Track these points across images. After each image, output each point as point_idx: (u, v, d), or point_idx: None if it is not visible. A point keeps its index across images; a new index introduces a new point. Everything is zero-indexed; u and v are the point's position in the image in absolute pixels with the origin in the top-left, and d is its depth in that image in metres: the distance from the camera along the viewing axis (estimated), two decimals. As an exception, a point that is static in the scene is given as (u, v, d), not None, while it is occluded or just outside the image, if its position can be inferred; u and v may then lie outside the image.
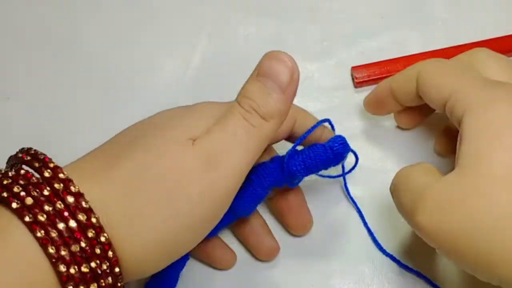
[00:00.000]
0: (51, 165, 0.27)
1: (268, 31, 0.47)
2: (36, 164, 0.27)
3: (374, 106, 0.40)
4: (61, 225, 0.25)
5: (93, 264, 0.25)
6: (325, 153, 0.34)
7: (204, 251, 0.36)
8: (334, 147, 0.34)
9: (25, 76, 0.46)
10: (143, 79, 0.45)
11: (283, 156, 0.35)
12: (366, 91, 0.44)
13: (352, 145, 0.42)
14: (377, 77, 0.44)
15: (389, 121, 0.43)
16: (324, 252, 0.38)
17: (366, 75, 0.44)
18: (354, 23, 0.47)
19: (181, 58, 0.46)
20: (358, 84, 0.44)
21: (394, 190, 0.32)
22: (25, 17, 0.48)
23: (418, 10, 0.47)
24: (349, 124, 0.43)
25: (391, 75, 0.43)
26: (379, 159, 0.41)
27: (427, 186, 0.29)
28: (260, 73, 0.30)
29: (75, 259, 0.25)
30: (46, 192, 0.26)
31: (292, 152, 0.34)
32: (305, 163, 0.34)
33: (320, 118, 0.43)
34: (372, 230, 0.39)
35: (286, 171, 0.34)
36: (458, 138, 0.30)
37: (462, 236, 0.27)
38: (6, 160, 0.43)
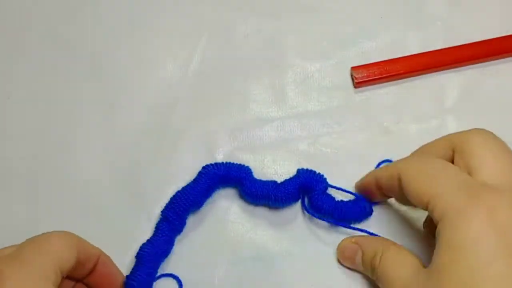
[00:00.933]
0: None
1: (268, 31, 0.47)
2: None
3: (366, 194, 0.39)
4: None
5: None
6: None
7: None
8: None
9: (25, 76, 0.46)
10: (143, 79, 0.45)
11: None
12: (366, 91, 0.44)
13: (352, 144, 0.42)
14: (377, 77, 0.44)
15: (388, 121, 0.43)
16: (324, 252, 0.38)
17: (366, 75, 0.44)
18: (354, 23, 0.47)
19: (181, 58, 0.46)
20: (358, 84, 0.44)
21: (378, 276, 0.34)
22: (25, 17, 0.48)
23: (418, 10, 0.47)
24: (349, 124, 0.43)
25: (391, 75, 0.44)
26: (379, 159, 0.41)
27: (408, 283, 0.31)
28: None
29: None
30: None
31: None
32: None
33: (320, 118, 0.43)
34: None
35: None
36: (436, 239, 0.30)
37: None
38: (6, 160, 0.43)
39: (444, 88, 0.44)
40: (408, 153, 0.42)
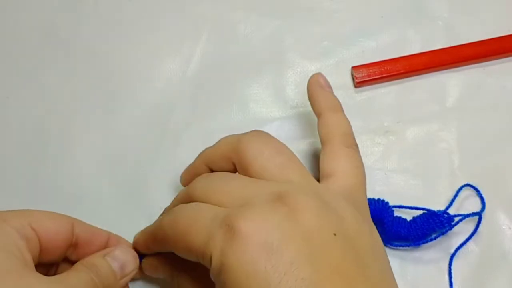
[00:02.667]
0: None
1: (268, 31, 0.47)
2: None
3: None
4: None
5: None
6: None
7: None
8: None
9: (25, 76, 0.46)
10: (143, 79, 0.45)
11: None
12: (367, 90, 0.44)
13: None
14: (377, 76, 0.44)
15: (389, 121, 0.43)
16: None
17: (366, 75, 0.44)
18: (354, 23, 0.47)
19: (181, 58, 0.46)
20: (358, 84, 0.44)
21: None
22: (25, 17, 0.48)
23: (418, 10, 0.47)
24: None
25: (391, 75, 0.44)
26: (379, 158, 0.41)
27: None
28: (110, 255, 0.33)
29: None
30: None
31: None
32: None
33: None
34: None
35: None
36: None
37: None
38: (6, 160, 0.43)
39: (445, 87, 0.44)
40: (408, 153, 0.42)
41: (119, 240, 0.36)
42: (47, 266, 0.33)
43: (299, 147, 0.42)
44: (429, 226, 0.36)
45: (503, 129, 0.43)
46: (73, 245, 0.32)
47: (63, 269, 0.33)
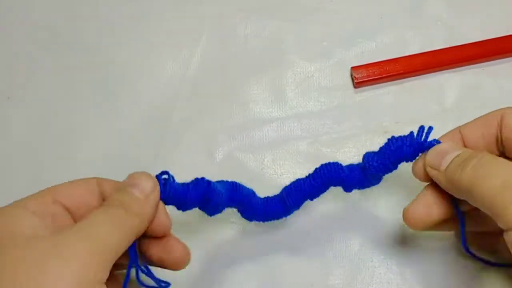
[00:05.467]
0: None
1: (268, 31, 0.47)
2: None
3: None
4: None
5: None
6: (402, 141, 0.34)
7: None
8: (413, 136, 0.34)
9: (25, 76, 0.46)
10: (143, 79, 0.45)
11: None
12: (366, 91, 0.44)
13: (352, 144, 0.42)
14: (377, 77, 0.44)
15: (388, 121, 0.43)
16: (324, 252, 0.39)
17: (366, 75, 0.44)
18: (354, 23, 0.47)
19: (181, 58, 0.46)
20: (357, 84, 0.44)
21: (471, 174, 0.29)
22: (26, 18, 0.48)
23: (418, 10, 0.47)
24: (349, 124, 0.43)
25: (390, 75, 0.44)
26: (378, 159, 0.41)
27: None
28: (125, 184, 0.31)
29: None
30: None
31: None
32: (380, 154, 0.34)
33: (320, 118, 0.43)
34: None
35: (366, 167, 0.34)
36: None
37: None
38: (6, 160, 0.43)
39: (444, 88, 0.44)
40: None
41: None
42: None
43: (299, 147, 0.42)
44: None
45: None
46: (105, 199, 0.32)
47: None
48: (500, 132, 0.31)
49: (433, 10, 0.47)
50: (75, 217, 0.31)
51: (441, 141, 0.33)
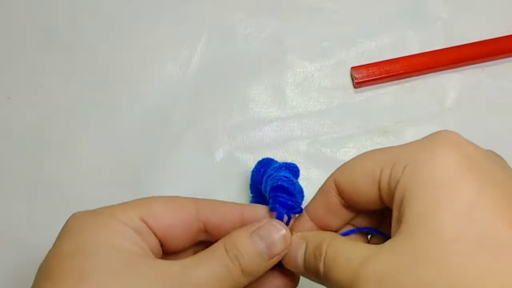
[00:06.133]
0: None
1: (268, 31, 0.47)
2: None
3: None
4: None
5: None
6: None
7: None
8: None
9: (25, 76, 0.46)
10: (143, 79, 0.45)
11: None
12: (366, 91, 0.44)
13: (352, 144, 0.42)
14: (377, 77, 0.44)
15: (388, 121, 0.43)
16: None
17: (366, 75, 0.44)
18: (354, 23, 0.47)
19: (181, 58, 0.46)
20: (357, 84, 0.44)
21: (325, 269, 0.27)
22: (26, 18, 0.48)
23: (418, 10, 0.47)
24: (349, 124, 0.43)
25: (390, 75, 0.44)
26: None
27: (366, 258, 0.24)
28: (257, 232, 0.29)
29: None
30: None
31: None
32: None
33: (320, 118, 0.43)
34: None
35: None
36: (395, 204, 0.25)
37: None
38: (6, 160, 0.43)
39: (444, 88, 0.44)
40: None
41: (255, 210, 0.31)
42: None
43: (299, 147, 0.42)
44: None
45: (502, 129, 0.43)
46: (202, 231, 0.30)
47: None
48: (340, 195, 0.29)
49: (433, 10, 0.47)
50: (163, 242, 0.29)
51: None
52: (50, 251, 0.27)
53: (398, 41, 0.46)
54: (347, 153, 0.42)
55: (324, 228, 0.30)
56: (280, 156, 0.42)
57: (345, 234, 0.30)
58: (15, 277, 0.39)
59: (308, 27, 0.47)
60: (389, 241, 0.25)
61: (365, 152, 0.29)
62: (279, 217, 0.31)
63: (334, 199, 0.29)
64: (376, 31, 0.46)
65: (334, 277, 0.26)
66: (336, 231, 0.31)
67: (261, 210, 0.31)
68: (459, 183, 0.23)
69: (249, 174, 0.41)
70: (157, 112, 0.44)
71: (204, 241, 0.31)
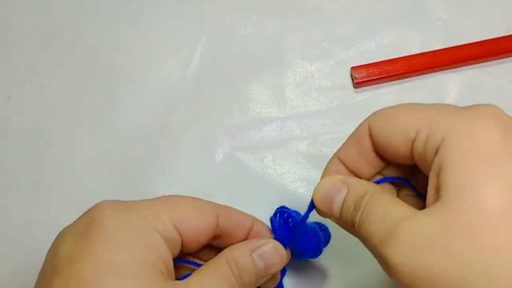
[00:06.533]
0: None
1: (268, 31, 0.47)
2: None
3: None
4: None
5: None
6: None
7: None
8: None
9: (25, 76, 0.46)
10: (143, 79, 0.45)
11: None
12: (366, 91, 0.44)
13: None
14: (377, 77, 0.44)
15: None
16: (324, 255, 0.38)
17: (366, 75, 0.44)
18: (354, 23, 0.47)
19: (181, 58, 0.46)
20: (357, 84, 0.44)
21: (360, 221, 0.27)
22: (26, 17, 0.48)
23: (418, 10, 0.47)
24: (349, 124, 0.43)
25: (391, 75, 0.44)
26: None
27: (403, 218, 0.24)
28: (258, 252, 0.30)
29: None
30: None
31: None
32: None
33: (320, 118, 0.43)
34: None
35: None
36: (433, 171, 0.25)
37: (443, 283, 0.22)
38: (6, 160, 0.43)
39: (444, 88, 0.44)
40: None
41: (263, 227, 0.32)
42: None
43: (299, 147, 0.42)
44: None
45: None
46: (216, 237, 0.30)
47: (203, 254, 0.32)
48: (373, 143, 0.29)
49: (433, 10, 0.47)
50: (183, 246, 0.29)
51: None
52: (72, 243, 0.26)
53: (398, 41, 0.46)
54: (347, 153, 0.42)
55: (355, 174, 0.30)
56: (280, 156, 0.42)
57: (376, 183, 0.30)
58: (15, 277, 0.39)
59: (308, 27, 0.47)
60: (428, 208, 0.24)
61: (402, 105, 0.28)
62: (277, 232, 0.32)
63: (368, 143, 0.29)
64: (376, 31, 0.46)
65: (367, 231, 0.26)
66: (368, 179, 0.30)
67: (268, 230, 0.32)
68: (504, 157, 0.23)
69: (249, 174, 0.41)
70: (157, 112, 0.44)
71: None
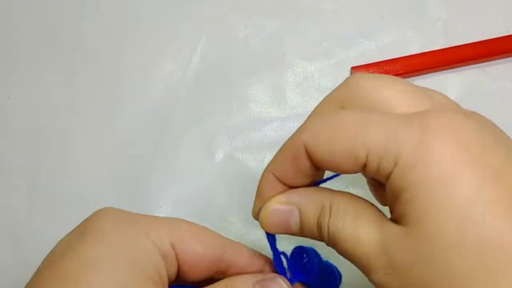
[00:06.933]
0: None
1: (268, 31, 0.47)
2: None
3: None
4: None
5: None
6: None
7: None
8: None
9: (25, 76, 0.46)
10: (143, 79, 0.45)
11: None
12: (366, 91, 0.44)
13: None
14: (377, 77, 0.44)
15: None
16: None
17: (366, 75, 0.44)
18: (354, 23, 0.47)
19: (181, 58, 0.46)
20: (357, 84, 0.44)
21: (330, 242, 0.26)
22: (26, 17, 0.48)
23: (418, 10, 0.47)
24: (349, 124, 0.43)
25: (390, 75, 0.44)
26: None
27: (373, 247, 0.24)
28: (260, 284, 0.28)
29: None
30: None
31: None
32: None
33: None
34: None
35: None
36: (391, 197, 0.24)
37: None
38: (6, 160, 0.43)
39: (444, 88, 0.44)
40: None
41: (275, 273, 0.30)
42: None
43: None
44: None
45: (502, 129, 0.43)
46: (221, 272, 0.29)
47: None
48: (312, 161, 0.26)
49: (433, 10, 0.47)
50: (180, 272, 0.28)
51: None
52: (66, 241, 0.27)
53: (398, 41, 0.46)
54: (347, 153, 0.42)
55: (293, 186, 0.28)
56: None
57: (316, 185, 0.28)
58: (15, 277, 0.39)
59: (308, 27, 0.47)
60: (396, 231, 0.24)
61: (338, 120, 0.25)
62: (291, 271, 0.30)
63: (306, 162, 0.26)
64: (376, 31, 0.46)
65: (342, 249, 0.25)
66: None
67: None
68: (456, 182, 0.22)
69: (249, 174, 0.41)
70: (157, 112, 0.44)
71: None
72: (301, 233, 0.27)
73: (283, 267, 0.30)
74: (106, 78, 0.45)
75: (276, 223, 0.27)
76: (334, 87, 0.45)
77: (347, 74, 0.45)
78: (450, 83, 0.44)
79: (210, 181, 0.41)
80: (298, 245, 0.31)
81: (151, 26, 0.47)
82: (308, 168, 0.26)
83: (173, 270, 0.27)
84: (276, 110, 0.44)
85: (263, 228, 0.28)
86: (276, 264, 0.30)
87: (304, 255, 0.30)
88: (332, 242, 0.26)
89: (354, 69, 0.44)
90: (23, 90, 0.45)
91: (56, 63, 0.46)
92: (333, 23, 0.47)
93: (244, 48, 0.46)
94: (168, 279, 0.27)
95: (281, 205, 0.27)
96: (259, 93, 0.45)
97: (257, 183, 0.39)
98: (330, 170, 0.26)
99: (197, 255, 0.27)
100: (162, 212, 0.40)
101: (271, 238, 0.30)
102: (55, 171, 0.42)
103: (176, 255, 0.27)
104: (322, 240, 0.27)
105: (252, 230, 0.40)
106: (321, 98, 0.44)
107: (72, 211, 0.41)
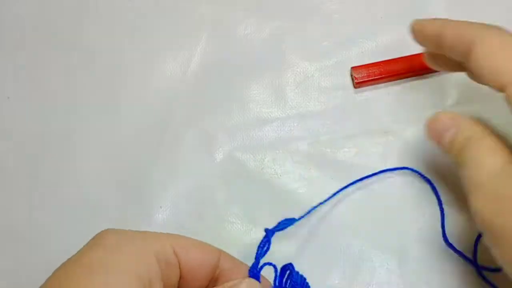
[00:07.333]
0: None
1: (268, 31, 0.47)
2: None
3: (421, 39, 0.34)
4: None
5: None
6: None
7: None
8: None
9: (25, 76, 0.46)
10: (143, 79, 0.45)
11: None
12: (366, 91, 0.44)
13: (352, 144, 0.42)
14: (377, 77, 0.44)
15: (388, 122, 0.43)
16: (323, 252, 0.39)
17: (366, 75, 0.44)
18: (354, 23, 0.47)
19: (181, 58, 0.46)
20: (357, 84, 0.44)
21: (462, 159, 0.30)
22: (26, 17, 0.48)
23: (418, 10, 0.47)
24: (349, 124, 0.43)
25: (390, 75, 0.44)
26: (378, 159, 0.41)
27: (494, 175, 0.27)
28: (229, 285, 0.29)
29: None
30: None
31: None
32: None
33: (320, 118, 0.43)
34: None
35: None
36: None
37: None
38: (6, 160, 0.43)
39: (444, 88, 0.44)
40: (407, 154, 0.42)
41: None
42: None
43: (299, 147, 0.42)
44: None
45: (502, 130, 0.43)
46: (214, 279, 0.30)
47: None
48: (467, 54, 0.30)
49: (433, 10, 0.47)
50: (182, 280, 0.28)
51: None
52: (71, 260, 0.27)
53: (398, 41, 0.46)
54: (347, 153, 0.42)
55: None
56: (280, 156, 0.42)
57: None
58: (15, 277, 0.39)
59: (308, 27, 0.47)
60: None
61: None
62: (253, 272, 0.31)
63: None
64: (376, 31, 0.46)
65: (464, 174, 0.29)
66: None
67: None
68: None
69: (249, 174, 0.41)
70: (157, 112, 0.44)
71: None
72: (448, 146, 0.32)
73: (257, 272, 0.31)
74: (106, 78, 0.46)
75: (437, 128, 0.33)
76: (334, 87, 0.45)
77: (347, 74, 0.45)
78: (450, 83, 0.44)
79: (210, 181, 0.41)
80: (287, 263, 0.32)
81: (151, 26, 0.47)
82: (461, 54, 0.30)
83: (175, 279, 0.28)
84: (276, 110, 0.44)
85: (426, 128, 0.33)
86: (250, 268, 0.31)
87: (288, 271, 0.32)
88: (462, 163, 0.30)
89: (354, 69, 0.44)
90: (23, 90, 0.45)
91: (56, 63, 0.46)
92: (333, 23, 0.47)
93: (244, 48, 0.46)
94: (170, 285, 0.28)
95: (447, 119, 0.32)
96: (259, 93, 0.45)
97: (257, 183, 0.39)
98: (476, 76, 0.30)
99: (198, 262, 0.28)
100: (162, 212, 0.40)
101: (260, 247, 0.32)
102: (55, 171, 0.42)
103: (179, 263, 0.27)
104: (458, 160, 0.30)
105: (252, 230, 0.40)
106: (321, 98, 0.44)
107: (72, 211, 0.41)
